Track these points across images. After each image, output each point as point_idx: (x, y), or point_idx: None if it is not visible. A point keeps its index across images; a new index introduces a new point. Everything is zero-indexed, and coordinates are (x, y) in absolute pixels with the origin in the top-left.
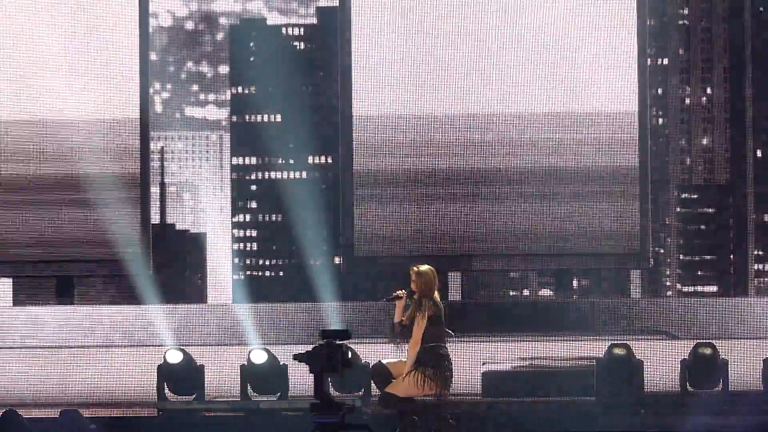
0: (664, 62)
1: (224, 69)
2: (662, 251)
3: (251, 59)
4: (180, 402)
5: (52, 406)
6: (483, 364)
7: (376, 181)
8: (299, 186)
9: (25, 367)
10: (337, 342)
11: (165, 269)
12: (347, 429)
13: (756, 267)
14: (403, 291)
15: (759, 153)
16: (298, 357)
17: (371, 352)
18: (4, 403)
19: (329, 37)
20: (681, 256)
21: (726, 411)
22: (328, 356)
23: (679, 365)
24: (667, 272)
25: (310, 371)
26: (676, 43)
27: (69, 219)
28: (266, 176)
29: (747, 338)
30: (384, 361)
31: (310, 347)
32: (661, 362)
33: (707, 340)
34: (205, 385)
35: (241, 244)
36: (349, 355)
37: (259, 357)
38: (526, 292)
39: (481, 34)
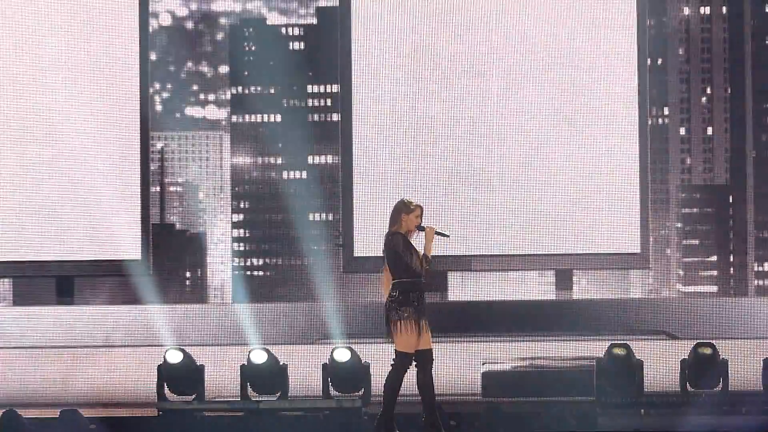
0: (664, 62)
1: (224, 69)
2: (662, 251)
3: (251, 59)
4: (180, 402)
5: (52, 406)
6: (483, 364)
7: (376, 180)
8: (299, 186)
9: (25, 367)
10: None
11: (165, 269)
12: None
13: (756, 267)
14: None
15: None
16: None
17: (372, 352)
18: (4, 403)
19: (329, 37)
20: (681, 257)
21: (726, 411)
22: None
23: (679, 365)
24: (668, 272)
25: None
26: (676, 43)
27: (69, 219)
28: (266, 176)
29: (747, 338)
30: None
31: (308, 347)
32: (661, 362)
33: (707, 340)
34: (205, 385)
35: (241, 244)
36: None
37: (259, 357)
38: (526, 293)
39: (482, 33)
